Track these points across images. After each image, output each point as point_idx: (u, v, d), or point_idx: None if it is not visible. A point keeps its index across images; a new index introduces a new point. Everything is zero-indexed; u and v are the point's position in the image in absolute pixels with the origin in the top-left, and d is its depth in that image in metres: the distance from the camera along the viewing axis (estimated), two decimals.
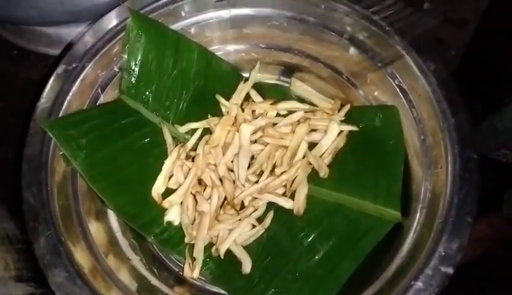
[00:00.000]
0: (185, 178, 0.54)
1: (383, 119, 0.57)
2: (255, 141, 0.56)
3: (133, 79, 0.59)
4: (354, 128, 0.57)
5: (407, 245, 0.49)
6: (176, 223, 0.54)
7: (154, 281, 0.54)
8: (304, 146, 0.57)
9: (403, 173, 0.53)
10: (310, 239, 0.52)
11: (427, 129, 0.53)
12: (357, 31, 0.57)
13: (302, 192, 0.54)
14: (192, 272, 0.52)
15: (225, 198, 0.54)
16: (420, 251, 0.47)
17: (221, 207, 0.55)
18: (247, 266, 0.52)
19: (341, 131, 0.57)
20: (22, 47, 0.72)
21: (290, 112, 0.58)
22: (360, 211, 0.53)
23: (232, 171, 0.55)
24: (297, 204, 0.54)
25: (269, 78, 0.65)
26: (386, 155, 0.55)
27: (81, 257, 0.49)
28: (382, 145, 0.55)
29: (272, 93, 0.61)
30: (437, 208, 0.48)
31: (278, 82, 0.65)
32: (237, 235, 0.53)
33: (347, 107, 0.59)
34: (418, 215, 0.50)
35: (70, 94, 0.55)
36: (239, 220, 0.53)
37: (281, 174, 0.54)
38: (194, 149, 0.57)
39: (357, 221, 0.52)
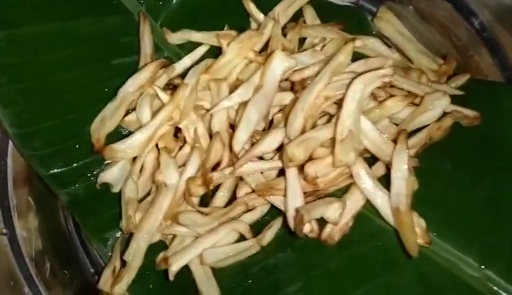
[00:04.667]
0: (152, 118, 0.38)
1: None
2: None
3: None
4: (473, 113, 0.38)
5: None
6: (115, 189, 0.39)
7: None
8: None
9: None
10: None
11: None
12: None
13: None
14: (113, 285, 0.35)
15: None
16: None
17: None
18: None
19: (444, 114, 0.37)
20: None
21: (362, 57, 0.40)
22: (450, 272, 0.35)
23: (233, 128, 0.38)
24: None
25: None
26: None
27: None
28: None
29: (340, 19, 0.43)
30: None
31: (354, 6, 0.48)
32: (208, 246, 0.35)
33: (464, 77, 0.41)
34: None
35: None
36: (223, 221, 0.36)
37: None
38: (183, 75, 0.41)
39: (441, 289, 0.34)
